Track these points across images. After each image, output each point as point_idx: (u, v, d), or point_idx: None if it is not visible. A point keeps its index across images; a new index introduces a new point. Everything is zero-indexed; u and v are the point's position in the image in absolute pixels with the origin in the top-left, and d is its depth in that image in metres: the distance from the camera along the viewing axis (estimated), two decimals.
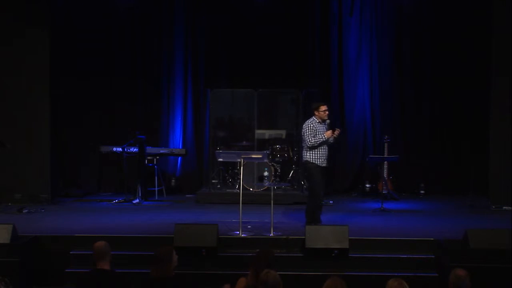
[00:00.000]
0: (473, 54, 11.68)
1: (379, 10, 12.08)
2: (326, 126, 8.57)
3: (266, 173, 10.70)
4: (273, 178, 10.96)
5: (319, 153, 8.41)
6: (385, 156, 11.27)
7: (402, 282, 4.43)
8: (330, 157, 8.64)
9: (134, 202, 10.78)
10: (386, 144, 11.40)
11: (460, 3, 11.74)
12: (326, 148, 8.48)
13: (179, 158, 12.23)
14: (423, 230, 8.50)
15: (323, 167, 8.46)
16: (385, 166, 11.40)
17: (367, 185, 11.86)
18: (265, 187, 10.76)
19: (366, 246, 7.81)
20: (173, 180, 12.15)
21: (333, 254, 7.44)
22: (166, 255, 5.27)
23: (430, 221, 9.28)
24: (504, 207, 10.24)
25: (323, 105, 8.59)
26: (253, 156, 9.24)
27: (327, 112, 8.54)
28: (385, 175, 11.32)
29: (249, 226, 8.50)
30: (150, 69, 12.19)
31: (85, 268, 6.86)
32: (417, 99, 12.16)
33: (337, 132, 8.48)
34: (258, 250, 5.64)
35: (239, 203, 8.21)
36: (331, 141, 8.60)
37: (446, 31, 11.86)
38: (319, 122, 8.50)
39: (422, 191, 11.81)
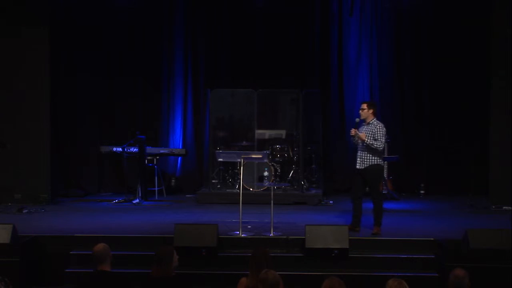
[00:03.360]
0: (473, 54, 11.68)
1: (379, 10, 12.09)
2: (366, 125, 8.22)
3: (266, 173, 10.67)
4: (273, 178, 10.96)
5: (356, 155, 8.34)
6: (385, 156, 11.25)
7: (402, 282, 4.43)
8: (364, 160, 8.12)
9: (134, 202, 10.77)
10: (386, 144, 11.37)
11: (459, 3, 11.73)
12: (359, 150, 8.21)
13: (179, 158, 12.23)
14: (423, 230, 8.51)
15: (357, 169, 8.24)
16: (385, 166, 11.39)
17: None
18: (265, 187, 10.76)
19: (366, 246, 7.81)
20: (173, 180, 12.15)
21: (333, 254, 7.44)
22: (167, 255, 5.28)
23: (430, 221, 9.28)
24: (504, 207, 10.23)
25: (362, 103, 8.37)
26: (253, 156, 9.24)
27: (361, 111, 8.22)
28: (385, 175, 11.31)
29: (249, 226, 8.49)
30: (150, 69, 12.19)
31: (85, 268, 6.92)
32: (417, 99, 12.16)
33: (352, 131, 8.20)
34: (252, 250, 5.61)
35: (239, 203, 8.20)
36: (367, 143, 8.00)
37: (446, 31, 11.86)
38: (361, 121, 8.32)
39: (422, 191, 11.81)
